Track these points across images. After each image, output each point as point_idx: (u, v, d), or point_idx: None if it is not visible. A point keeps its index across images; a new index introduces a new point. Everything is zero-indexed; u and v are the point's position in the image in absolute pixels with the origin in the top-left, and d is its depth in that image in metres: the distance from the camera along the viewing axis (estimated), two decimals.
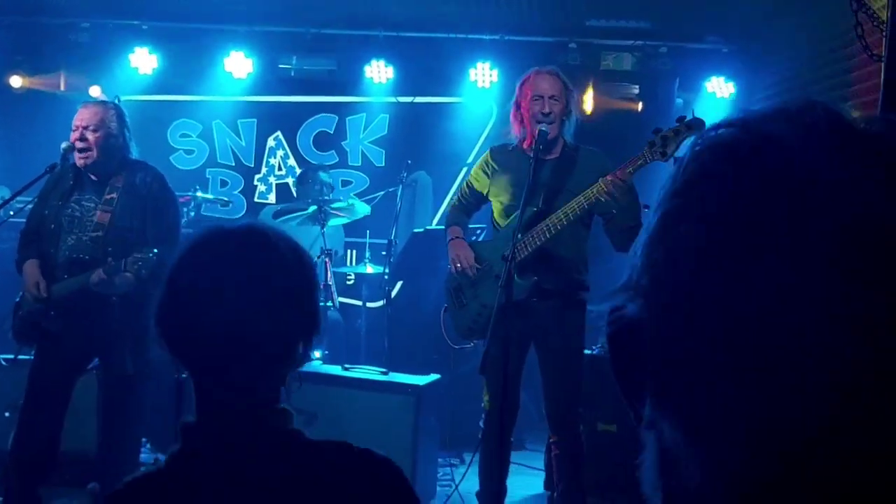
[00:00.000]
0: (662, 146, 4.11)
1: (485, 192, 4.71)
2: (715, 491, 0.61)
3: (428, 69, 7.77)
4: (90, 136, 4.56)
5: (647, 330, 0.63)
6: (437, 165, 7.72)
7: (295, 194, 7.34)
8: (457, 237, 4.71)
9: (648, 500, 0.67)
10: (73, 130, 4.59)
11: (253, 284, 1.53)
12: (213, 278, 1.54)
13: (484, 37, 7.56)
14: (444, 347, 5.20)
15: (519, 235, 4.32)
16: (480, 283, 4.58)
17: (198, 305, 1.53)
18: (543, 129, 4.38)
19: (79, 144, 4.56)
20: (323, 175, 7.10)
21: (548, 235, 4.33)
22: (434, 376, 5.54)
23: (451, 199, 4.99)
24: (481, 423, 4.58)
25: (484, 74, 7.61)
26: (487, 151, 4.86)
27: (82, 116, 4.61)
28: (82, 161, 4.59)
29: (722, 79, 7.51)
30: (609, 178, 4.17)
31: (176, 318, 1.56)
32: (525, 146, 4.56)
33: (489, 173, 4.68)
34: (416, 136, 7.85)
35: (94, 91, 7.93)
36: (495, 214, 4.70)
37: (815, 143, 0.60)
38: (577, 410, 4.54)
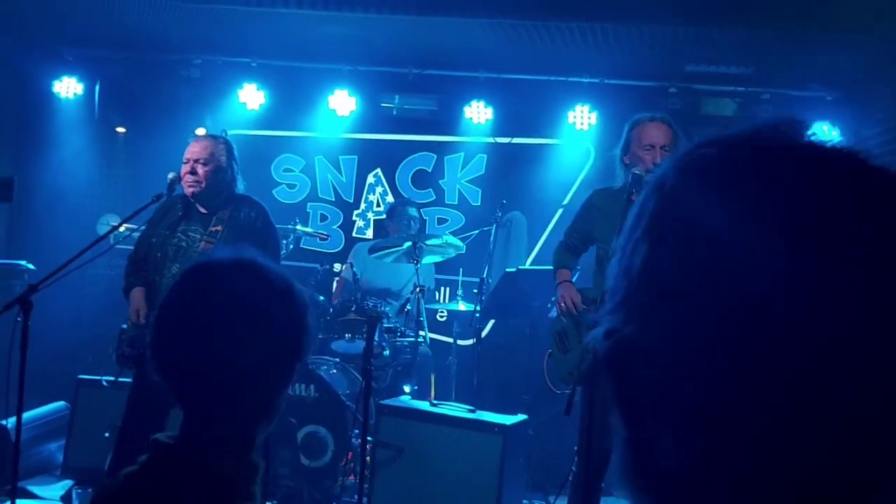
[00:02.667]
0: None
1: (591, 236, 4.73)
2: None
3: (526, 110, 7.84)
4: (200, 169, 4.72)
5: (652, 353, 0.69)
6: (533, 206, 7.76)
7: (385, 229, 7.45)
8: (566, 280, 4.72)
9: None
10: (185, 163, 4.75)
11: (236, 318, 1.57)
12: (205, 308, 1.59)
13: (583, 79, 7.60)
14: (535, 387, 5.21)
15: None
16: (585, 328, 4.58)
17: (181, 336, 1.58)
18: (637, 172, 4.39)
19: (189, 178, 4.73)
20: (411, 209, 7.21)
21: None
22: (521, 416, 5.55)
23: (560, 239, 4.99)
24: (573, 467, 4.56)
25: (582, 117, 7.65)
26: (591, 194, 4.87)
27: (193, 150, 4.78)
28: (191, 189, 4.74)
29: (825, 127, 7.39)
30: None
31: (166, 343, 1.61)
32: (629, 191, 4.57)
33: (592, 216, 4.69)
34: (513, 177, 7.91)
35: (200, 133, 8.18)
36: (599, 259, 4.69)
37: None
38: None
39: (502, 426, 5.27)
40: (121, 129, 8.08)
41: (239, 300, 1.60)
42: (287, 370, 1.63)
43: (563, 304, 4.59)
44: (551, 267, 4.97)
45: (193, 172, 4.71)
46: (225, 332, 1.57)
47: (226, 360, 1.56)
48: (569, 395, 4.09)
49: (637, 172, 4.38)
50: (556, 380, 4.78)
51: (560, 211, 7.82)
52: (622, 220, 4.36)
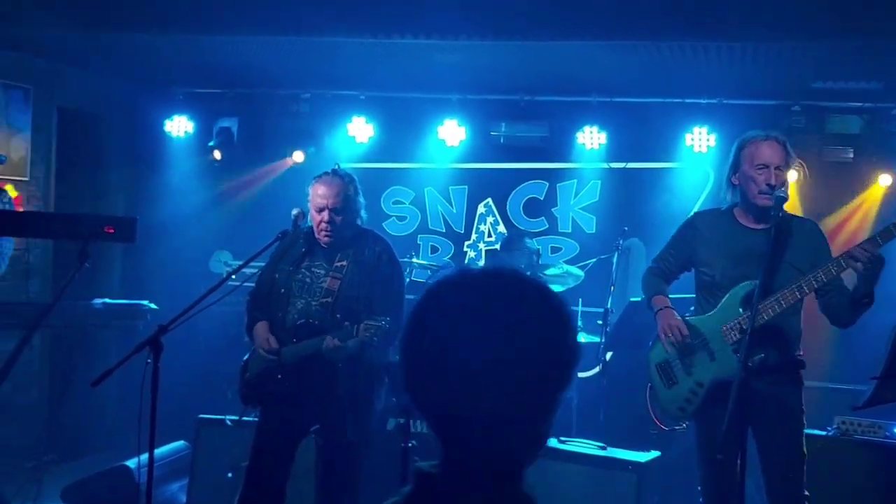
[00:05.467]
0: None
1: (690, 260, 4.49)
2: None
3: (641, 134, 7.63)
4: (338, 218, 4.62)
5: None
6: (651, 232, 7.49)
7: (500, 260, 7.29)
8: (666, 307, 4.46)
9: None
10: (319, 210, 4.63)
11: (507, 332, 1.38)
12: (462, 321, 1.41)
13: (701, 101, 7.36)
14: None
15: (740, 309, 4.11)
16: (693, 359, 4.32)
17: (442, 348, 1.40)
18: (781, 194, 4.15)
19: (324, 227, 4.62)
20: (529, 241, 7.04)
21: (778, 310, 4.07)
22: (655, 453, 5.31)
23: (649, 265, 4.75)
24: None
25: (701, 139, 7.39)
26: (692, 216, 4.66)
27: (327, 195, 4.62)
28: (326, 240, 4.66)
29: None
30: (859, 248, 3.92)
31: (418, 360, 1.45)
32: (738, 212, 4.34)
33: (695, 240, 4.44)
34: (629, 203, 7.69)
35: (298, 156, 8.21)
36: (701, 285, 4.45)
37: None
38: (801, 495, 4.20)
39: (637, 464, 5.05)
40: (217, 155, 8.10)
41: (504, 314, 1.41)
42: (556, 392, 1.43)
43: (668, 334, 4.33)
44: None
45: (330, 221, 4.61)
46: (489, 351, 1.37)
47: (492, 382, 1.37)
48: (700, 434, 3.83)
49: (781, 195, 4.14)
50: (663, 416, 4.49)
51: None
52: (738, 247, 4.15)
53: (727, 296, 4.24)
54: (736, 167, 4.32)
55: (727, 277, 4.25)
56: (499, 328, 1.39)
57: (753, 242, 4.21)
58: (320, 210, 4.62)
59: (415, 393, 1.45)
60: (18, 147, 7.11)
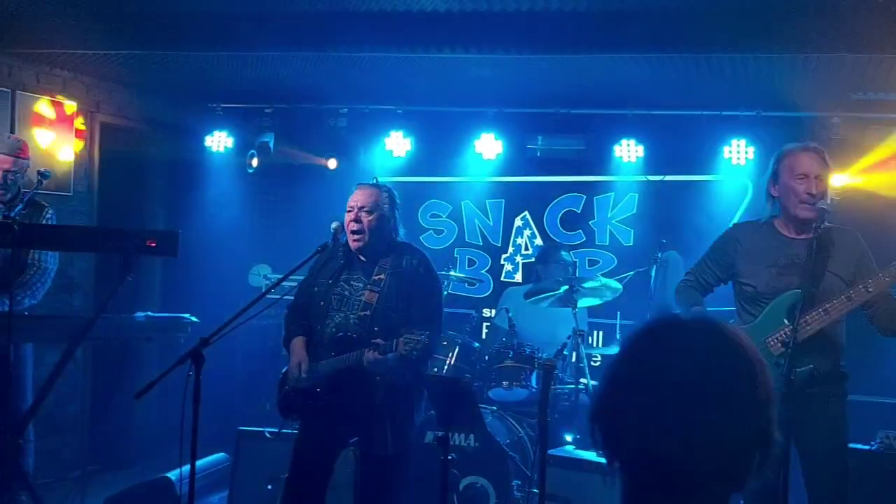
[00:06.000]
0: None
1: (729, 272, 4.47)
2: None
3: (679, 147, 7.60)
4: (365, 217, 4.66)
5: None
6: (689, 245, 7.42)
7: (536, 273, 7.29)
8: None
9: None
10: (349, 211, 4.71)
11: (707, 383, 1.39)
12: (661, 369, 1.41)
13: (739, 113, 7.32)
14: None
15: (784, 320, 4.09)
16: None
17: (637, 395, 1.41)
18: (824, 206, 4.13)
19: (353, 226, 4.67)
20: (565, 254, 7.03)
21: (826, 321, 4.05)
22: None
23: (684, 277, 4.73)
24: None
25: (739, 151, 7.35)
26: (731, 228, 4.65)
27: (357, 198, 4.73)
28: (355, 244, 4.69)
29: None
30: None
31: (613, 405, 1.45)
32: (779, 223, 4.33)
33: (736, 252, 4.43)
34: (667, 215, 7.67)
35: (332, 164, 8.27)
36: (742, 297, 4.43)
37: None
38: None
39: None
40: (254, 162, 8.17)
41: (707, 362, 1.41)
42: (744, 467, 1.41)
43: None
44: (722, 308, 4.70)
45: (358, 220, 4.65)
46: (690, 395, 1.38)
47: (695, 442, 1.37)
48: None
49: (823, 207, 4.13)
50: None
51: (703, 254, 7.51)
52: (806, 256, 4.13)
53: (770, 306, 4.22)
54: (775, 179, 4.32)
55: (770, 288, 4.24)
56: (704, 381, 1.39)
57: (796, 253, 4.20)
58: (350, 211, 4.68)
59: (607, 435, 1.45)
60: (62, 162, 7.23)
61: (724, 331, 1.44)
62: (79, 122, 7.40)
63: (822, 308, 4.05)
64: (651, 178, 7.79)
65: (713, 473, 1.39)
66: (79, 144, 7.42)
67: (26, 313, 5.49)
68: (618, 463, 1.44)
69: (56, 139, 7.15)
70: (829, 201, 4.22)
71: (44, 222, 5.72)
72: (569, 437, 6.08)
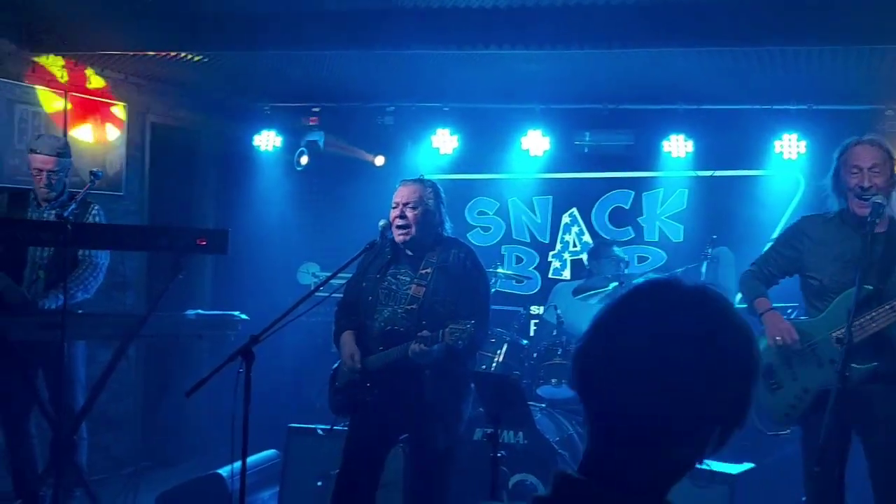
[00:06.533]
0: None
1: (796, 265, 4.41)
2: None
3: (729, 142, 7.51)
4: (409, 213, 4.68)
5: None
6: (740, 241, 7.36)
7: (588, 269, 7.25)
8: (771, 309, 4.40)
9: None
10: (394, 207, 4.73)
11: (685, 344, 1.38)
12: (642, 322, 1.42)
13: (790, 107, 7.21)
14: (754, 432, 4.87)
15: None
16: (799, 364, 4.25)
17: (612, 347, 1.42)
18: (879, 200, 4.06)
19: (398, 221, 4.69)
20: (617, 250, 6.98)
21: (893, 319, 3.98)
22: (748, 465, 5.21)
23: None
24: None
25: (791, 146, 7.24)
26: (800, 220, 4.59)
27: (402, 193, 4.75)
28: (401, 238, 4.71)
29: None
30: None
31: (587, 353, 1.45)
32: (845, 217, 4.26)
33: (802, 245, 4.37)
34: (717, 211, 7.58)
35: (379, 160, 8.29)
36: (808, 290, 4.37)
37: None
38: None
39: (728, 476, 4.96)
40: (303, 160, 8.22)
41: (698, 329, 1.40)
42: (725, 408, 1.41)
43: (779, 337, 4.24)
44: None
45: (402, 216, 4.67)
46: (671, 367, 1.37)
47: (662, 403, 1.37)
48: (819, 447, 3.74)
49: (878, 201, 4.06)
50: (765, 420, 4.41)
51: (769, 245, 7.40)
52: (852, 253, 4.06)
53: (836, 300, 4.17)
54: (837, 173, 4.28)
55: (835, 283, 4.20)
56: (679, 343, 1.39)
57: (862, 248, 4.13)
58: (395, 208, 4.70)
59: (578, 384, 1.47)
60: (114, 162, 7.32)
61: (717, 300, 1.44)
62: (129, 123, 7.48)
63: (890, 305, 3.98)
64: (701, 173, 7.70)
65: (672, 435, 1.38)
66: (130, 145, 7.51)
67: (79, 310, 5.57)
68: (587, 408, 1.45)
69: (107, 139, 7.24)
70: (887, 195, 4.15)
71: (90, 219, 5.79)
72: None
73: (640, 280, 1.55)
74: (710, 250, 6.33)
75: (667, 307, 1.43)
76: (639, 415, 1.39)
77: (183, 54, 6.58)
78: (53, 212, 5.52)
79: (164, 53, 6.60)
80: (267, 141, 8.35)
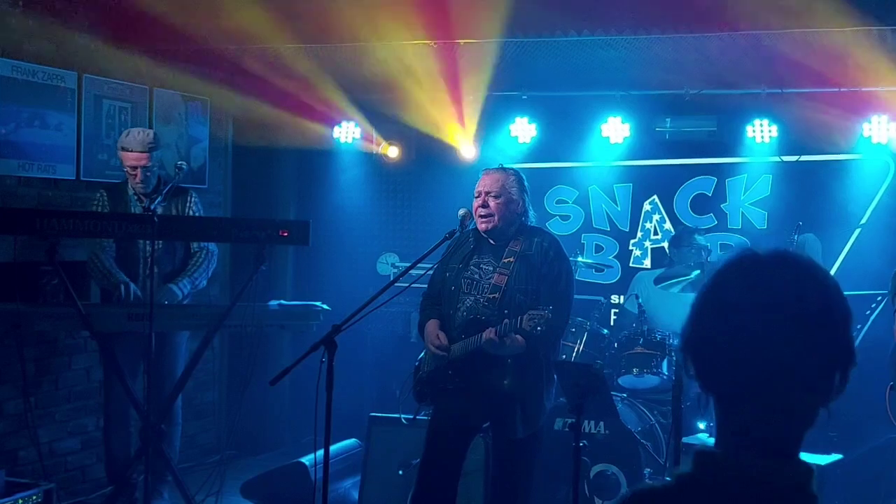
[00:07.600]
0: None
1: None
2: None
3: (815, 125, 7.29)
4: (492, 202, 4.67)
5: None
6: (827, 227, 7.20)
7: (669, 257, 7.15)
8: None
9: None
10: (476, 196, 4.73)
11: (788, 307, 1.48)
12: (747, 297, 1.51)
13: (880, 88, 7.00)
14: (841, 424, 4.77)
15: None
16: None
17: (728, 323, 1.51)
18: None
19: (481, 211, 4.69)
20: (699, 237, 6.87)
21: None
22: (836, 456, 5.09)
23: None
24: None
25: (881, 128, 7.03)
26: None
27: (485, 182, 4.75)
28: (484, 226, 4.71)
29: None
30: None
31: (705, 336, 1.55)
32: None
33: None
34: (803, 197, 7.40)
35: (469, 153, 8.28)
36: None
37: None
38: None
39: (816, 467, 4.85)
40: (389, 152, 8.27)
41: (787, 288, 1.50)
42: (839, 352, 1.51)
43: None
44: (861, 292, 4.51)
45: (485, 205, 4.66)
46: (776, 318, 1.47)
47: (781, 363, 1.47)
48: None
49: None
50: None
51: (857, 231, 7.23)
52: None
53: None
54: None
55: None
56: (787, 305, 1.48)
57: None
58: (477, 196, 4.69)
59: (700, 366, 1.55)
60: (198, 156, 7.46)
61: (799, 260, 1.54)
62: (213, 117, 7.61)
63: None
64: (786, 158, 7.53)
65: (802, 394, 1.48)
66: (213, 138, 7.63)
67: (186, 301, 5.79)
68: (713, 393, 1.54)
69: (192, 134, 7.38)
70: None
71: (189, 205, 5.92)
72: (702, 425, 5.95)
73: (727, 260, 1.60)
74: (796, 237, 6.19)
75: (756, 276, 1.52)
76: (769, 376, 1.47)
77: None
78: (160, 206, 5.60)
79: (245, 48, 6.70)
80: (346, 133, 8.41)
